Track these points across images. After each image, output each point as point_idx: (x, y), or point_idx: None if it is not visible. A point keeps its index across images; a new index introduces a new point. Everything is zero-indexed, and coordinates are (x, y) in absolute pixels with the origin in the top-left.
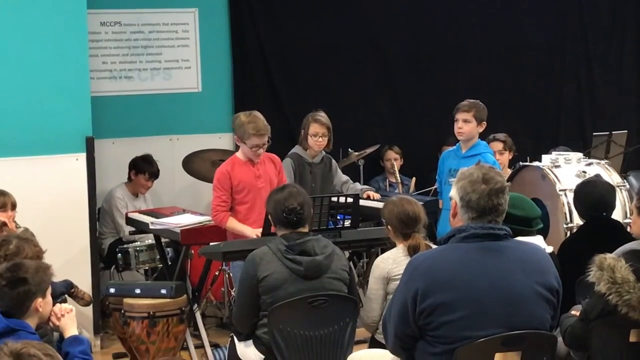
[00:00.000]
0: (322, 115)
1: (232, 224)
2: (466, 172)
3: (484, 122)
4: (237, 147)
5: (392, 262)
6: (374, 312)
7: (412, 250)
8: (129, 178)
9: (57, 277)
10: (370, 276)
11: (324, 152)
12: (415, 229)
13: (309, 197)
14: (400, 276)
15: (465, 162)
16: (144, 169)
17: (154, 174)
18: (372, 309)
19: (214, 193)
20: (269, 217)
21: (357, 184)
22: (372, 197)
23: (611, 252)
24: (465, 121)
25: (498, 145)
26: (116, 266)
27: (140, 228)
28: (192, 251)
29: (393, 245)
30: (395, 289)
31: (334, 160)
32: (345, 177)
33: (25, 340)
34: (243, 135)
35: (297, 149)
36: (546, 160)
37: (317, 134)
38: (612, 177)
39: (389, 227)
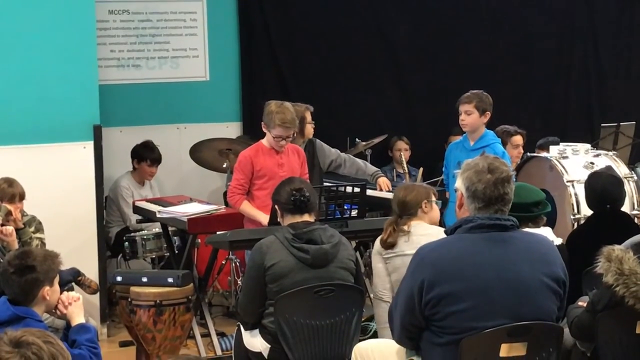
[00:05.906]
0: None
1: (246, 207)
2: (471, 163)
3: (488, 113)
4: (244, 136)
5: None
6: (380, 282)
7: None
8: (133, 167)
9: (64, 265)
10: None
11: (306, 140)
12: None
13: (313, 188)
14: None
15: (475, 155)
16: (145, 156)
17: (156, 159)
18: (378, 282)
19: (233, 175)
20: (276, 207)
21: (359, 161)
22: (383, 188)
23: (619, 243)
24: (467, 113)
25: (520, 139)
26: (123, 254)
27: (148, 217)
28: (199, 240)
29: None
30: (395, 266)
31: (317, 141)
32: (345, 156)
33: (24, 329)
34: (269, 124)
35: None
36: (554, 151)
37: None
38: (619, 168)
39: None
